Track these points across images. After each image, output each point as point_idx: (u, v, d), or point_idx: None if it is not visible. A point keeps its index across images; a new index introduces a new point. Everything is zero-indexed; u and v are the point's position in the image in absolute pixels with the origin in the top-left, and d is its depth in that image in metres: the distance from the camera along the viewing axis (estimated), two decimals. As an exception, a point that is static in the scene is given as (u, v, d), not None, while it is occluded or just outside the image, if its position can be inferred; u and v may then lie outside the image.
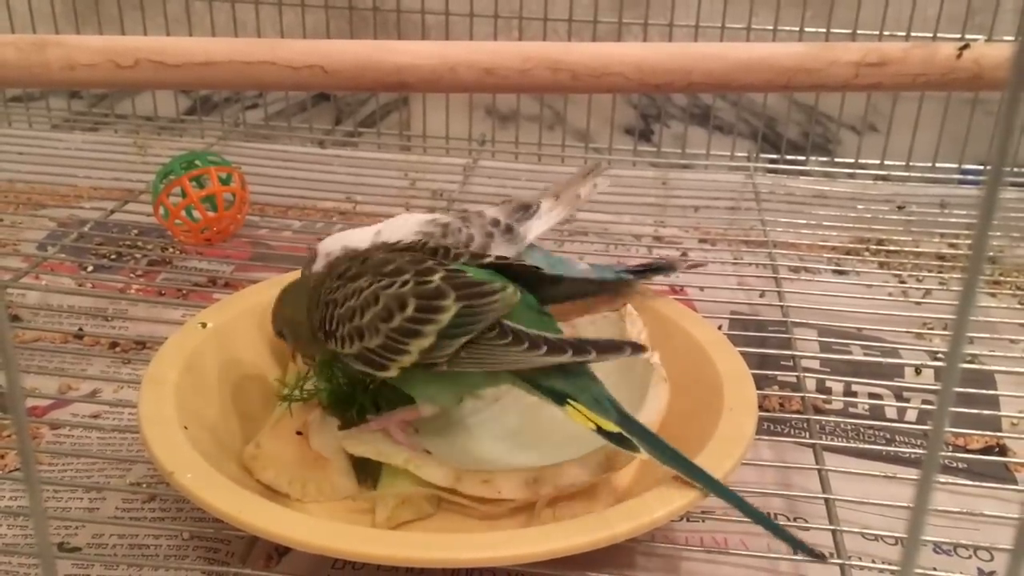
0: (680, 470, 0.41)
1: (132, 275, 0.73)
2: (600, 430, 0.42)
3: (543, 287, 0.47)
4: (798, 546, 0.41)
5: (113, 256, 0.75)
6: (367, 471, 0.48)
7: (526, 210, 0.59)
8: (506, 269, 0.47)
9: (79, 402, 0.59)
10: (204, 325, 0.53)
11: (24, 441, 0.18)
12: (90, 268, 0.73)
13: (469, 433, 0.49)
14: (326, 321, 0.45)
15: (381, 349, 0.43)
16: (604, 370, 0.45)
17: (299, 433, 0.48)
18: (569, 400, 0.43)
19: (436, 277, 0.44)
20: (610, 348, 0.43)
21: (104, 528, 0.49)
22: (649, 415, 0.46)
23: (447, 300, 0.43)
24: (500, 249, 0.56)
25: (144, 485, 0.51)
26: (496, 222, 0.57)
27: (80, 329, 0.66)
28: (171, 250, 0.76)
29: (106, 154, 0.93)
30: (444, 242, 0.51)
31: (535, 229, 0.58)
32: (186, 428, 0.45)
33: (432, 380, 0.45)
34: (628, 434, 0.42)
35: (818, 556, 0.42)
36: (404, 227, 0.54)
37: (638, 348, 0.44)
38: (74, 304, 0.69)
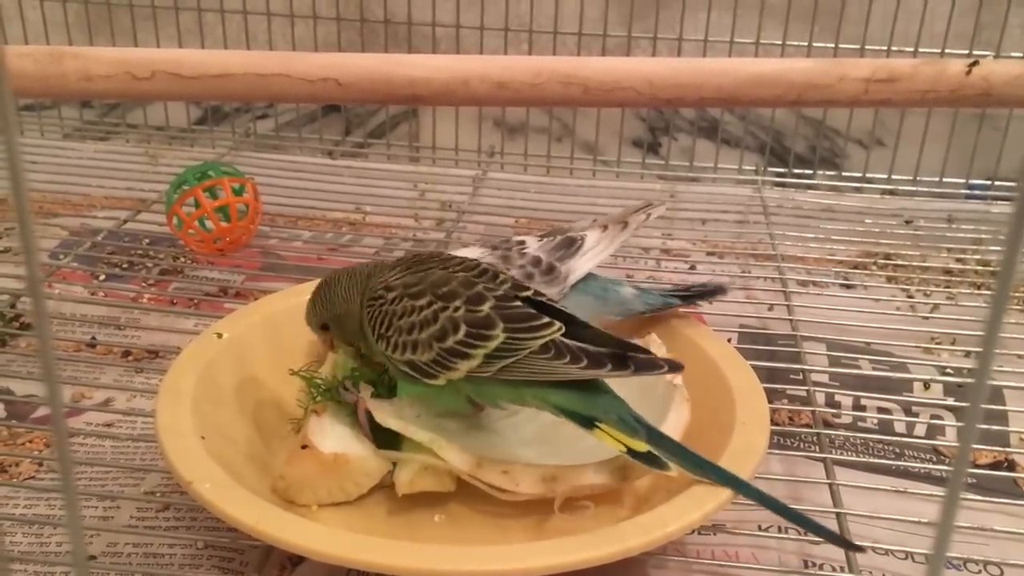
0: (712, 478, 0.43)
1: (144, 284, 0.73)
2: (630, 451, 0.43)
3: (574, 328, 0.47)
4: (836, 539, 0.44)
5: (125, 265, 0.75)
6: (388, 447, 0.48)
7: (569, 246, 0.57)
8: (541, 306, 0.47)
9: (92, 411, 0.59)
10: (220, 335, 0.53)
11: (64, 454, 0.18)
12: (102, 277, 0.74)
13: (491, 435, 0.50)
14: (381, 324, 0.47)
15: (431, 363, 0.46)
16: (626, 388, 0.46)
17: (304, 447, 0.48)
18: (597, 423, 0.44)
19: (486, 306, 0.46)
20: (648, 365, 0.45)
21: (119, 537, 0.49)
22: (669, 433, 0.46)
23: (495, 330, 0.45)
24: (539, 289, 0.56)
25: (158, 494, 0.52)
26: (537, 261, 0.56)
27: (93, 338, 0.66)
28: (182, 260, 0.76)
29: (118, 163, 0.93)
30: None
31: (579, 267, 0.57)
32: (203, 438, 0.45)
33: (466, 388, 0.47)
34: (658, 451, 0.43)
35: (857, 548, 0.44)
36: None
37: (675, 367, 0.45)
38: (87, 313, 0.69)
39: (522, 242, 0.58)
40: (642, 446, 0.43)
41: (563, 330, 0.45)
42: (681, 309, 0.59)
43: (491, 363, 0.45)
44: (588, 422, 0.44)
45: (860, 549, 0.44)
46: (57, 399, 0.18)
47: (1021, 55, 0.87)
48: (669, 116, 0.98)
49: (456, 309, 0.46)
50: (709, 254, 0.81)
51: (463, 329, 0.45)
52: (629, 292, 0.58)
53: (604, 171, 0.99)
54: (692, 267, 0.78)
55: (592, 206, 0.87)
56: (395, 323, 0.47)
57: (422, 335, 0.46)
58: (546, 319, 0.46)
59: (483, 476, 0.46)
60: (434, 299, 0.46)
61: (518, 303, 0.46)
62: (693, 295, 0.59)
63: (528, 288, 0.48)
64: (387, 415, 0.47)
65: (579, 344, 0.45)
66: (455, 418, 0.50)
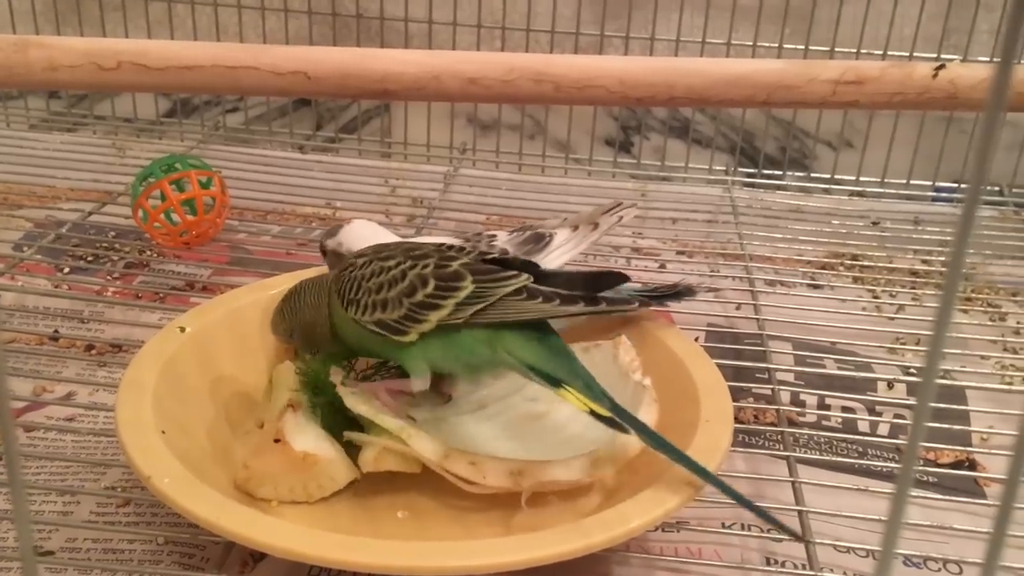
0: (670, 456, 0.43)
1: (109, 277, 0.72)
2: (593, 413, 0.44)
3: (542, 278, 0.49)
4: (778, 525, 0.44)
5: (90, 258, 0.74)
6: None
7: (538, 242, 0.58)
8: (508, 263, 0.49)
9: (54, 405, 0.58)
10: (183, 329, 0.52)
11: (10, 445, 0.18)
12: (67, 270, 0.73)
13: (460, 428, 0.50)
14: (350, 289, 0.48)
15: (401, 319, 0.47)
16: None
17: (277, 441, 0.48)
18: (564, 384, 0.45)
19: (456, 264, 0.47)
20: (619, 302, 0.48)
21: (78, 532, 0.48)
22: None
23: (465, 281, 0.47)
24: None
25: (119, 489, 0.51)
26: (505, 253, 0.56)
27: (55, 331, 0.66)
28: (148, 253, 0.75)
29: (84, 155, 0.92)
30: None
31: (547, 264, 0.57)
32: (163, 433, 0.45)
33: (438, 346, 0.47)
34: (619, 419, 0.43)
35: (794, 535, 0.45)
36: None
37: (646, 303, 0.48)
38: (50, 306, 0.68)
39: (493, 235, 0.58)
40: (604, 412, 0.43)
41: (532, 279, 0.47)
42: (650, 308, 0.59)
43: (462, 309, 0.46)
44: (555, 382, 0.45)
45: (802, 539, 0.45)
46: (3, 387, 0.18)
47: (988, 59, 0.88)
48: (641, 115, 0.99)
49: (425, 267, 0.47)
50: (679, 253, 0.82)
51: (432, 283, 0.46)
52: None
53: (576, 169, 0.99)
54: (662, 266, 0.79)
55: (564, 204, 0.87)
56: (364, 285, 0.48)
57: (391, 293, 0.47)
58: (514, 272, 0.47)
59: (450, 467, 0.45)
60: (403, 259, 0.48)
61: (485, 266, 0.48)
62: (662, 295, 0.59)
63: (492, 253, 0.49)
64: (357, 402, 0.47)
65: (550, 288, 0.46)
66: (426, 409, 0.50)
